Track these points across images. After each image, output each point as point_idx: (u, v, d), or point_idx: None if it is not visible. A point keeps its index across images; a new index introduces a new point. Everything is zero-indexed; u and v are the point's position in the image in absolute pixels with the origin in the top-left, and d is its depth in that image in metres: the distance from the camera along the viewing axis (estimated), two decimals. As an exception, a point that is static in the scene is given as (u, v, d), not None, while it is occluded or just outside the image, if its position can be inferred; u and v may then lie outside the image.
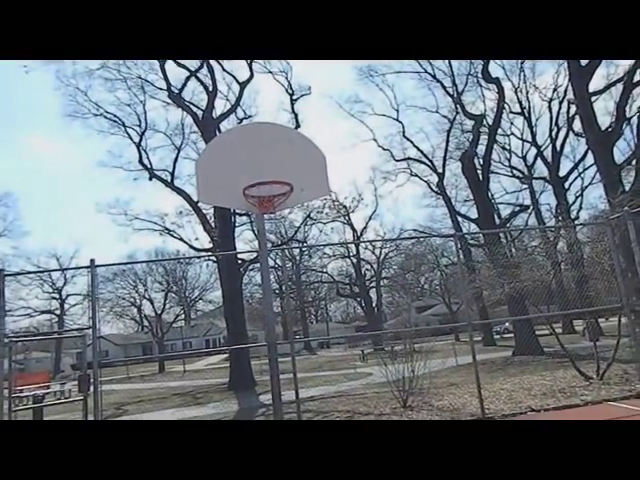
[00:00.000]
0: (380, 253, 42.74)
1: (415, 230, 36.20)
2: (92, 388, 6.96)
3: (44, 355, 47.69)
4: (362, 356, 23.29)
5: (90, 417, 7.17)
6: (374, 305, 42.85)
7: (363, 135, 65.19)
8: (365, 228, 41.08)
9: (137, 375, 32.11)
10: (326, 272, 44.43)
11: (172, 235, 26.17)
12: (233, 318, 17.52)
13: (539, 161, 30.69)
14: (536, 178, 31.35)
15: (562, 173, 29.30)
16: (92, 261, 7.00)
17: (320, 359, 29.00)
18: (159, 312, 42.80)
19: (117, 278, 41.61)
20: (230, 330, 17.92)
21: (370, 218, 40.92)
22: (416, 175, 30.72)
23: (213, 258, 23.39)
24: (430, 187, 30.61)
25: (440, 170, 27.47)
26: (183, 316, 50.93)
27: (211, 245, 20.73)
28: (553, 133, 29.28)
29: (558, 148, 29.27)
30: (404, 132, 28.67)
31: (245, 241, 35.36)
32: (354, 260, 41.58)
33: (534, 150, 30.33)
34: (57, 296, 47.00)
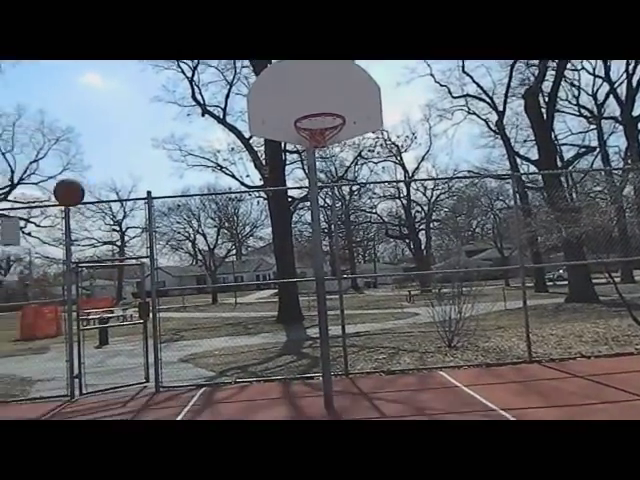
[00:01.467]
0: (431, 195, 41.81)
1: (470, 172, 34.94)
2: (151, 315, 7.41)
3: (108, 283, 50.90)
4: (409, 297, 23.45)
5: (150, 341, 7.67)
6: (423, 248, 42.47)
7: (420, 70, 62.09)
8: (417, 169, 40.07)
9: (192, 305, 33.92)
10: (375, 213, 44.11)
11: (224, 172, 26.57)
12: (282, 255, 17.89)
13: (611, 99, 28.36)
14: (606, 118, 29.12)
15: (636, 112, 27.02)
16: (149, 193, 7.24)
17: (367, 298, 29.45)
18: (212, 247, 44.41)
19: (172, 213, 43.26)
20: (279, 266, 18.37)
21: (423, 158, 39.77)
22: (474, 113, 29.30)
23: (264, 195, 23.65)
24: (488, 126, 29.19)
25: (500, 108, 25.99)
26: (234, 252, 52.57)
27: (262, 182, 20.90)
28: (630, 68, 26.75)
29: (634, 84, 26.83)
30: (463, 67, 27.04)
31: (295, 179, 35.43)
32: (404, 201, 40.93)
33: (606, 87, 27.98)
34: (117, 228, 49.58)
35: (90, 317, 15.68)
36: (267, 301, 32.49)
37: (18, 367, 10.40)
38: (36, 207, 42.14)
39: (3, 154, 43.14)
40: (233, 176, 26.61)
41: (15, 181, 43.03)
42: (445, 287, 12.44)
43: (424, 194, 41.90)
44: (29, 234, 38.49)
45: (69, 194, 4.55)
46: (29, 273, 51.03)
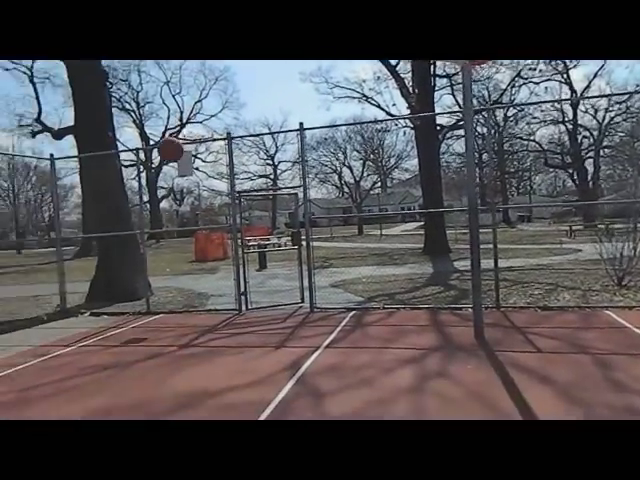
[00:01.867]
0: (604, 117, 36.37)
1: (657, 87, 29.42)
2: (304, 243, 7.90)
3: (263, 214, 55.15)
4: (569, 232, 21.41)
5: (303, 266, 8.23)
6: (589, 179, 37.82)
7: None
8: (587, 87, 34.98)
9: (339, 236, 35.31)
10: (533, 140, 40.06)
11: (370, 102, 26.19)
12: (429, 186, 17.42)
13: None
14: None
15: None
16: (301, 124, 7.49)
17: (520, 233, 27.59)
18: (357, 179, 45.05)
19: (320, 147, 44.55)
20: (426, 198, 17.97)
21: (595, 75, 34.48)
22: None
23: (410, 125, 22.90)
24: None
25: None
26: (380, 184, 52.64)
27: (409, 112, 20.19)
28: None
29: None
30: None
31: (443, 107, 33.48)
32: (569, 126, 36.37)
33: None
34: (270, 162, 52.78)
35: (250, 244, 17.27)
36: (412, 233, 32.36)
37: (195, 284, 12.04)
38: (203, 142, 46.41)
39: (173, 96, 47.85)
40: (379, 106, 26.12)
41: (184, 120, 47.73)
42: (615, 222, 11.09)
43: (594, 117, 36.67)
44: (197, 169, 42.94)
45: (171, 151, 4.86)
46: (198, 204, 57.45)
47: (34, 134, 33.89)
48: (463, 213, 32.89)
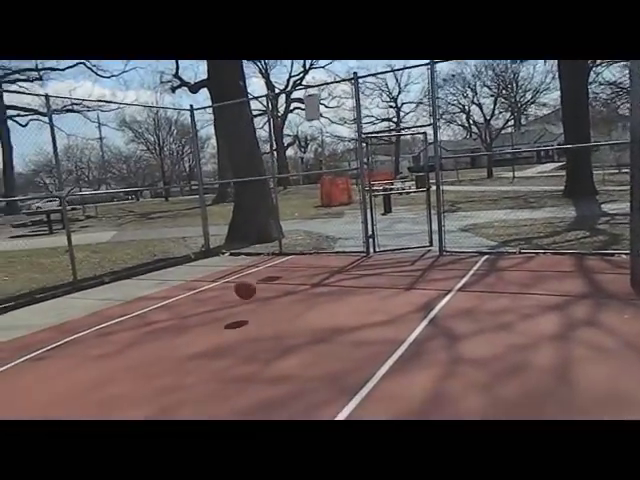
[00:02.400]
0: None
1: None
2: (433, 187, 7.61)
3: (386, 158, 54.33)
4: None
5: (433, 211, 7.98)
6: None
7: None
8: None
9: (466, 179, 33.60)
10: None
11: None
12: (574, 121, 15.54)
13: None
14: None
15: None
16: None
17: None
18: (488, 118, 41.90)
19: (446, 84, 41.90)
20: (568, 135, 16.12)
21: None
22: None
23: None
24: None
25: None
26: (512, 122, 48.49)
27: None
28: None
29: None
30: None
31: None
32: None
33: None
34: (393, 104, 51.16)
35: (375, 188, 17.18)
36: (549, 175, 29.60)
37: (322, 227, 12.39)
38: (329, 84, 46.38)
39: (296, 43, 47.91)
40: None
41: (307, 67, 47.87)
42: None
43: None
44: (321, 115, 43.22)
45: (246, 292, 5.32)
46: (322, 150, 58.29)
47: (173, 89, 36.67)
48: (612, 151, 29.10)
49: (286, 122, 50.10)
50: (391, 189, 17.63)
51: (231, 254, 9.37)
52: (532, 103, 45.35)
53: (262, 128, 33.15)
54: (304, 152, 60.41)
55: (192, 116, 9.93)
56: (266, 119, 36.00)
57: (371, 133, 9.37)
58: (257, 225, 10.39)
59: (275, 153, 46.01)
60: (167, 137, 51.69)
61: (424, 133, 8.42)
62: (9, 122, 36.64)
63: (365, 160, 8.06)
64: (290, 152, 57.72)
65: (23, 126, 37.72)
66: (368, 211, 8.03)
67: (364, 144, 8.14)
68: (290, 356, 3.76)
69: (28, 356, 4.31)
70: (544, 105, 44.54)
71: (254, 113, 36.36)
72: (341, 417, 2.72)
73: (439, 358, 3.46)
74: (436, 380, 3.10)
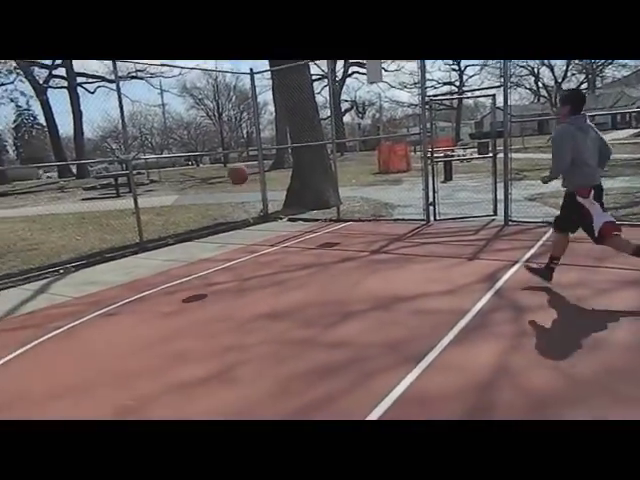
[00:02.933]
0: None
1: None
2: (501, 154, 7.22)
3: (446, 124, 52.42)
4: None
5: (499, 179, 7.61)
6: None
7: None
8: None
9: (532, 146, 31.89)
10: None
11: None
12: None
13: None
14: None
15: None
16: (504, 13, 6.55)
17: None
18: (559, 80, 39.26)
19: (514, 45, 39.43)
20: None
21: None
22: None
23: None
24: None
25: None
26: (586, 84, 45.18)
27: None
28: None
29: None
30: None
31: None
32: None
33: None
34: (456, 67, 48.89)
35: (435, 155, 16.65)
36: (625, 142, 27.51)
37: (380, 194, 12.19)
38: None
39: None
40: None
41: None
42: None
43: None
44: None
45: (239, 177, 5.47)
46: (380, 116, 57.02)
47: (232, 54, 36.61)
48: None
49: (344, 87, 49.23)
50: (452, 156, 17.01)
51: (289, 220, 9.43)
52: (610, 64, 41.99)
53: (319, 93, 32.76)
54: (362, 118, 59.33)
55: (252, 79, 9.90)
56: (323, 84, 35.55)
57: (435, 96, 8.93)
58: (315, 191, 10.36)
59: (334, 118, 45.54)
60: (226, 103, 52.25)
61: (493, 95, 7.96)
62: (79, 89, 38.15)
63: (431, 124, 7.76)
64: (347, 118, 56.85)
65: (91, 93, 39.20)
66: (429, 178, 7.78)
67: (427, 108, 7.82)
68: (349, 322, 3.74)
69: (100, 311, 4.55)
70: (624, 66, 41.14)
71: (312, 78, 35.97)
72: (403, 385, 2.68)
73: (505, 330, 3.32)
74: (502, 353, 2.98)
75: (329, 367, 3.00)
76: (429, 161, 7.87)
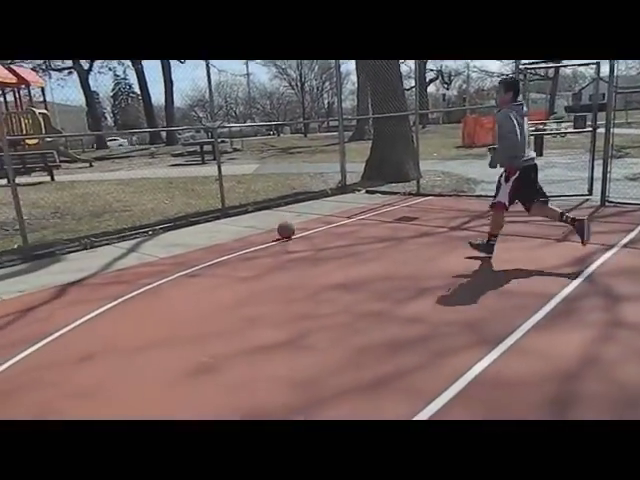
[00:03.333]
0: None
1: None
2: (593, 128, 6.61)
3: (539, 96, 48.97)
4: None
5: (598, 155, 7.00)
6: None
7: None
8: None
9: (636, 121, 29.05)
10: None
11: None
12: None
13: None
14: None
15: None
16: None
17: None
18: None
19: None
20: None
21: None
22: None
23: None
24: None
25: None
26: None
27: None
28: None
29: None
30: None
31: None
32: None
33: None
34: (555, 34, 45.24)
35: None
36: None
37: (463, 169, 11.70)
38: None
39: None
40: None
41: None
42: None
43: None
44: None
45: (285, 233, 5.86)
46: (467, 87, 54.35)
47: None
48: None
49: (430, 56, 47.24)
50: (544, 130, 15.87)
51: (367, 192, 9.33)
52: None
53: (404, 62, 31.70)
54: (447, 88, 56.86)
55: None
56: (409, 52, 34.19)
57: (529, 65, 8.25)
58: (394, 163, 10.14)
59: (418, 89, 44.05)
60: (309, 73, 52.20)
61: (597, 64, 7.25)
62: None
63: (525, 95, 7.25)
64: (431, 89, 54.76)
65: (182, 62, 40.64)
66: (518, 153, 7.31)
67: (524, 76, 7.30)
68: (424, 298, 3.66)
69: (184, 272, 4.80)
70: None
71: (397, 46, 34.79)
72: (479, 367, 2.58)
73: (595, 319, 3.09)
74: (591, 343, 2.78)
75: (401, 342, 2.96)
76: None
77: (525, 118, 4.28)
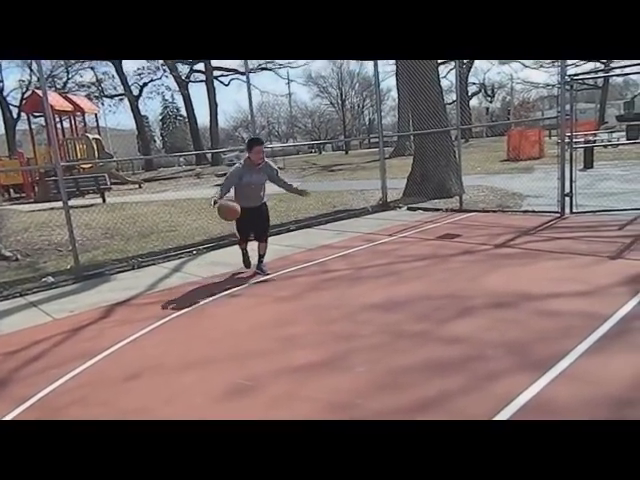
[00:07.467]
0: None
1: None
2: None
3: (588, 106, 47.39)
4: None
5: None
6: None
7: None
8: None
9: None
10: None
11: None
12: None
13: None
14: None
15: None
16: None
17: None
18: None
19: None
20: None
21: None
22: None
23: None
24: None
25: None
26: None
27: None
28: None
29: None
30: None
31: None
32: None
33: None
34: (604, 42, 43.81)
35: (574, 140, 15.13)
36: None
37: (508, 183, 11.40)
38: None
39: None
40: None
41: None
42: None
43: None
44: (512, 59, 39.23)
45: (229, 213, 5.20)
46: (511, 99, 53.30)
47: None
48: None
49: (472, 69, 46.71)
50: (594, 141, 15.31)
51: (408, 208, 9.24)
52: None
53: (445, 77, 31.49)
54: (490, 102, 55.91)
55: (375, 65, 9.77)
56: (450, 67, 34.04)
57: (576, 75, 7.98)
58: (436, 179, 10.01)
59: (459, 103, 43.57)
60: (349, 91, 52.65)
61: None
62: (215, 82, 41.06)
63: (566, 108, 7.04)
64: (474, 102, 53.98)
65: (226, 85, 41.99)
66: (566, 166, 7.07)
67: (568, 88, 7.08)
68: (467, 318, 3.55)
69: (227, 292, 4.87)
70: None
71: (439, 61, 34.73)
72: (529, 394, 2.46)
73: (653, 342, 2.90)
74: (647, 367, 2.61)
75: (443, 364, 2.87)
76: (567, 147, 7.14)
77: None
